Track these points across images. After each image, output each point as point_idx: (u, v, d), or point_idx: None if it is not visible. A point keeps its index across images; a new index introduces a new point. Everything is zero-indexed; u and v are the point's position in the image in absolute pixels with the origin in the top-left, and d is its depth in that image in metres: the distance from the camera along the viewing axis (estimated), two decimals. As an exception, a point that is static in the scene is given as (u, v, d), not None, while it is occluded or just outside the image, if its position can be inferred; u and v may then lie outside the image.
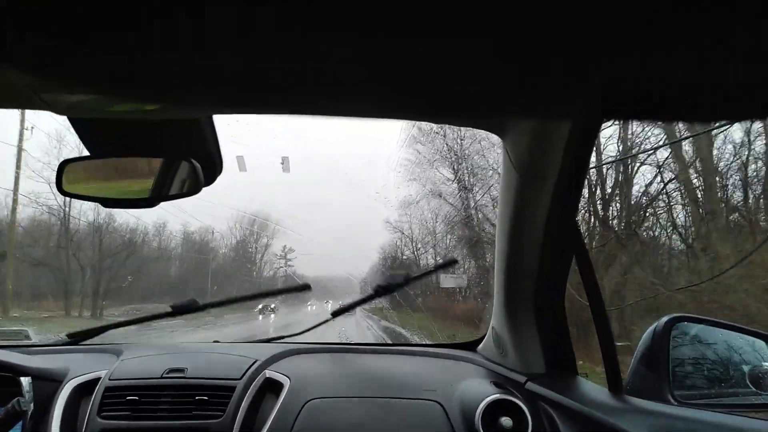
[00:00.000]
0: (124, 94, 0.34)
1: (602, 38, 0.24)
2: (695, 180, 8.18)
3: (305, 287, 1.92)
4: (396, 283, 1.65)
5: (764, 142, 7.70)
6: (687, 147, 8.12)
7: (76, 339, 1.76)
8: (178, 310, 1.61)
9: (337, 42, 0.24)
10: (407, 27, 0.23)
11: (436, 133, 10.95)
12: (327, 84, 0.29)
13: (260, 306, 15.80)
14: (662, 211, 8.55)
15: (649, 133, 8.28)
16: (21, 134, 12.19)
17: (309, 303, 17.11)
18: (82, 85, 0.30)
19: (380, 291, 1.68)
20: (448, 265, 1.92)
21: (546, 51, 0.25)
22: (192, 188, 1.01)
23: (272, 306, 16.03)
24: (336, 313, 1.81)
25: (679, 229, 8.41)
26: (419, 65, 0.26)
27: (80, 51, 0.25)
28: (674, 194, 8.46)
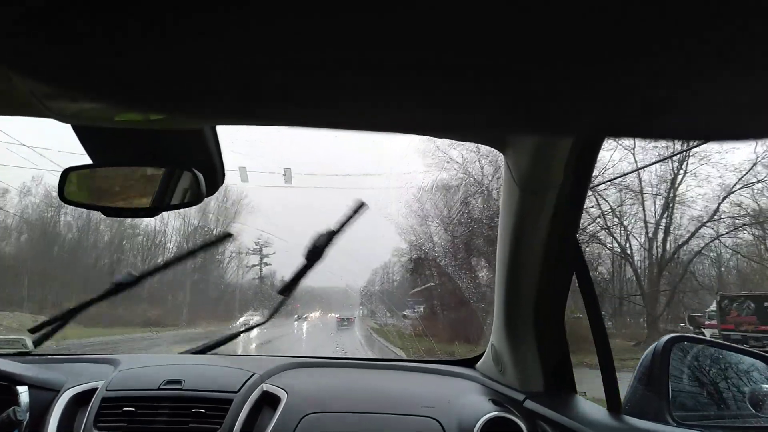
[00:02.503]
0: (128, 103, 0.34)
1: (605, 55, 0.24)
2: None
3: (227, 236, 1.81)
4: (320, 244, 1.54)
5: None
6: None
7: (35, 331, 1.68)
8: (120, 287, 1.52)
9: (339, 56, 0.24)
10: (409, 42, 0.23)
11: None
12: (329, 97, 0.29)
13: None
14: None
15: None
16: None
17: (296, 316, 16.42)
18: (86, 94, 0.31)
19: (310, 255, 1.56)
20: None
21: (548, 67, 0.25)
22: (194, 198, 1.01)
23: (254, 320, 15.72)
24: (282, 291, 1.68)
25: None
26: (421, 80, 0.26)
27: (85, 59, 0.25)
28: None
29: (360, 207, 1.69)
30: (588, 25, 0.22)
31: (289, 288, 1.65)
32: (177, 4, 0.22)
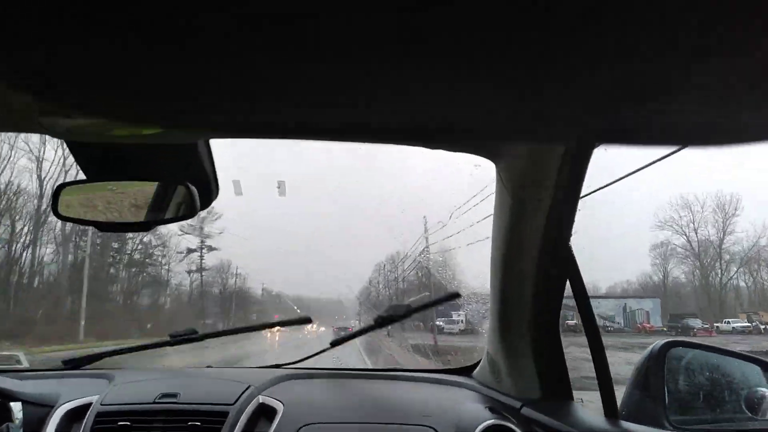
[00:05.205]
0: (121, 118, 0.34)
1: (596, 63, 0.24)
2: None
3: (306, 320, 1.97)
4: (398, 315, 1.65)
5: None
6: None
7: (70, 365, 1.77)
8: (176, 340, 1.63)
9: (332, 68, 0.25)
10: (401, 54, 0.24)
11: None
12: (321, 109, 0.29)
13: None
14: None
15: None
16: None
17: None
18: (80, 109, 0.31)
19: (381, 322, 1.67)
20: (451, 298, 1.92)
21: (540, 77, 0.25)
22: (188, 212, 1.01)
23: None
24: (335, 343, 1.81)
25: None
26: (413, 91, 0.27)
27: (78, 76, 0.26)
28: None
29: (452, 296, 1.81)
30: (580, 33, 0.22)
31: (342, 341, 1.81)
32: (170, 21, 0.22)
